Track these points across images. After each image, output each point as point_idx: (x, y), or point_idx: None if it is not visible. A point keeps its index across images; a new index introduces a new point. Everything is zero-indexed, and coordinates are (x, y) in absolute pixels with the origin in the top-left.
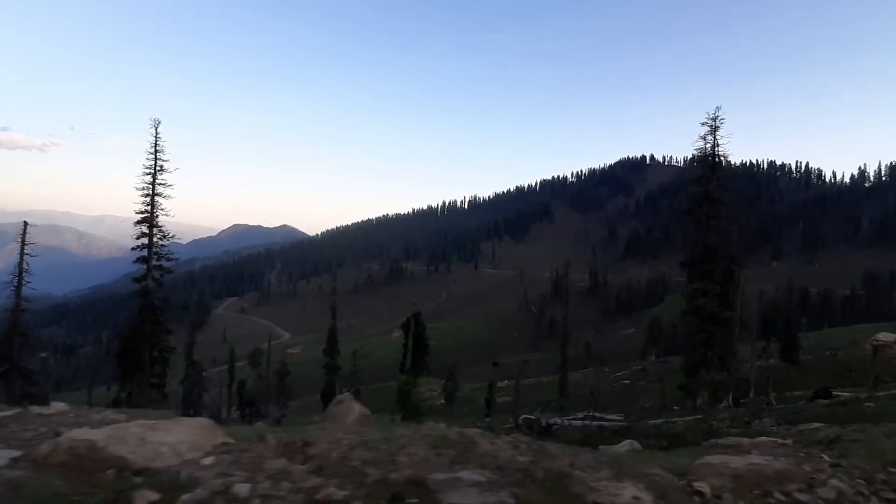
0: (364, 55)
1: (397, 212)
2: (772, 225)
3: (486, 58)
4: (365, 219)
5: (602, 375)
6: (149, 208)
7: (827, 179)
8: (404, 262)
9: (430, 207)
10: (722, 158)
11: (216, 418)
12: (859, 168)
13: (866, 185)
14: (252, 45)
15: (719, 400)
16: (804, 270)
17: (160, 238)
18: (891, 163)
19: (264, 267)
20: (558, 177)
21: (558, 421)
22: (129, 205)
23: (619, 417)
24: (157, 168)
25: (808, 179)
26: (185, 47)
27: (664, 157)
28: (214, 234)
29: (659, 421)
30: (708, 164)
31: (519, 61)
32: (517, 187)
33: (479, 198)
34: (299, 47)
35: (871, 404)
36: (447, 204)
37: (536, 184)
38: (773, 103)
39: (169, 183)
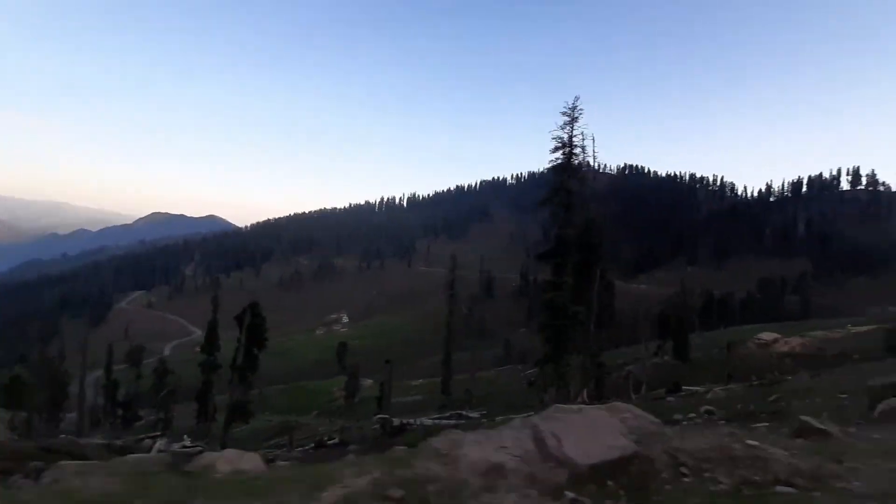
0: (308, 46)
1: (333, 206)
2: (689, 233)
3: (430, 57)
4: (297, 212)
5: (514, 373)
6: None
7: (739, 193)
8: (335, 258)
9: (367, 203)
10: (579, 150)
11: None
12: (766, 183)
13: (771, 199)
14: (188, 25)
15: (570, 395)
16: (714, 275)
17: None
18: (792, 180)
19: (182, 259)
20: (498, 178)
21: (412, 421)
22: (38, 189)
23: (479, 415)
24: None
25: (722, 192)
26: (110, 20)
27: (598, 164)
28: (130, 221)
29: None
30: (564, 154)
31: (465, 63)
32: (458, 186)
33: (419, 196)
34: (239, 31)
35: (710, 396)
36: (386, 200)
37: (477, 184)
38: (700, 118)
39: None
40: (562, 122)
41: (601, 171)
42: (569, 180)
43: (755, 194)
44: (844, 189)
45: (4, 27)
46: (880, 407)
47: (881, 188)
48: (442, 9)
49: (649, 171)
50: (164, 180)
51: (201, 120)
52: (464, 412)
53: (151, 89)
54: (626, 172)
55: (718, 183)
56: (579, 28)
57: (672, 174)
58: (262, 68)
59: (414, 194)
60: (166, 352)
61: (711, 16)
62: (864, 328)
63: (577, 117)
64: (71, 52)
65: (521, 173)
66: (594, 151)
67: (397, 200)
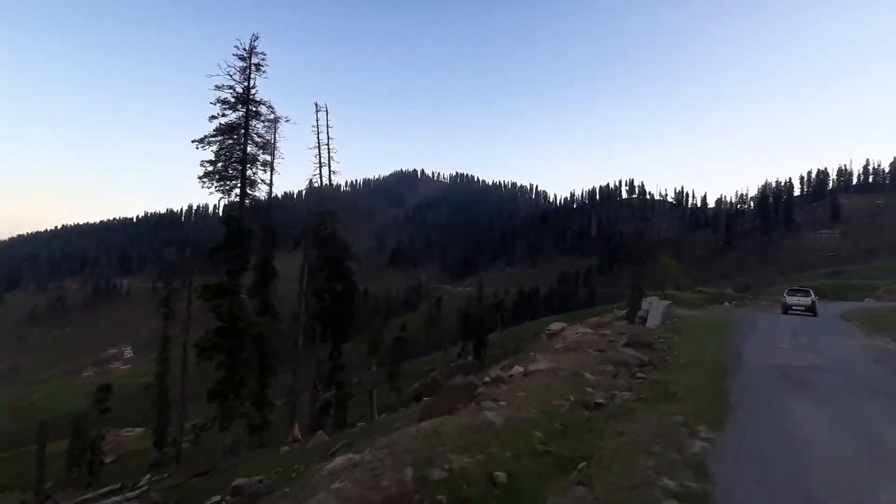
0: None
1: (122, 216)
2: (509, 236)
3: (293, 68)
4: (67, 224)
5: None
6: None
7: (550, 199)
8: (119, 279)
9: (169, 212)
10: (266, 109)
11: None
12: (571, 192)
13: (574, 205)
14: None
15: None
16: (528, 273)
17: None
18: (589, 189)
19: None
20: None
21: None
22: None
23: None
24: None
25: (537, 199)
26: None
27: (433, 173)
28: None
29: None
30: (239, 111)
31: (286, 64)
32: (285, 193)
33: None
34: None
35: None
36: (197, 208)
37: (303, 192)
38: (519, 129)
39: None
40: (236, 67)
41: (435, 178)
42: (247, 146)
43: (562, 201)
44: (624, 197)
45: None
46: None
47: (648, 196)
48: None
49: (478, 179)
50: None
51: None
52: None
53: None
54: (458, 180)
55: (534, 191)
56: (417, 32)
57: (497, 182)
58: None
59: (263, 204)
60: None
61: (534, 36)
62: (625, 310)
63: (259, 65)
64: None
65: (357, 181)
66: (328, 124)
67: (211, 208)
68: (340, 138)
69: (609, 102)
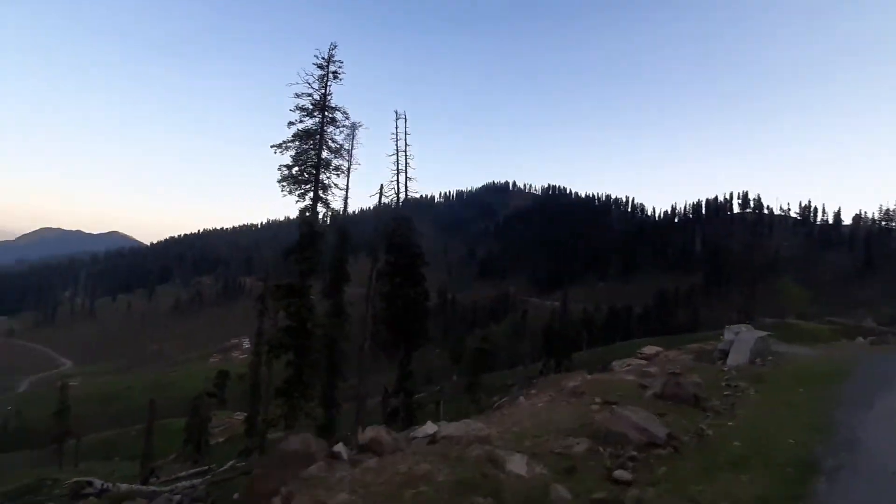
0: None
1: (250, 222)
2: (602, 250)
3: (351, 75)
4: (206, 228)
5: (367, 396)
6: None
7: (648, 213)
8: (244, 277)
9: (287, 219)
10: (341, 116)
11: None
12: (671, 205)
13: (675, 220)
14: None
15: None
16: (621, 290)
17: None
18: (693, 202)
19: (64, 280)
20: (426, 196)
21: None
22: None
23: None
24: None
25: (633, 213)
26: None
27: (525, 185)
28: (12, 238)
29: None
30: (317, 118)
31: (384, 82)
32: (384, 205)
33: (361, 214)
34: (147, 43)
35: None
36: (335, 223)
37: (400, 202)
38: (616, 142)
39: None
40: (315, 76)
41: (527, 190)
42: (321, 151)
43: (661, 215)
44: (736, 211)
45: None
46: None
47: (766, 210)
48: (360, 29)
49: (570, 191)
50: (58, 194)
51: (103, 127)
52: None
53: (44, 94)
54: (549, 193)
55: (630, 204)
56: (513, 50)
57: (590, 195)
58: (176, 72)
59: (355, 212)
60: (23, 386)
61: (631, 51)
62: None
63: (336, 73)
64: None
65: (451, 192)
66: (406, 131)
67: (319, 217)
68: (435, 151)
69: (717, 108)
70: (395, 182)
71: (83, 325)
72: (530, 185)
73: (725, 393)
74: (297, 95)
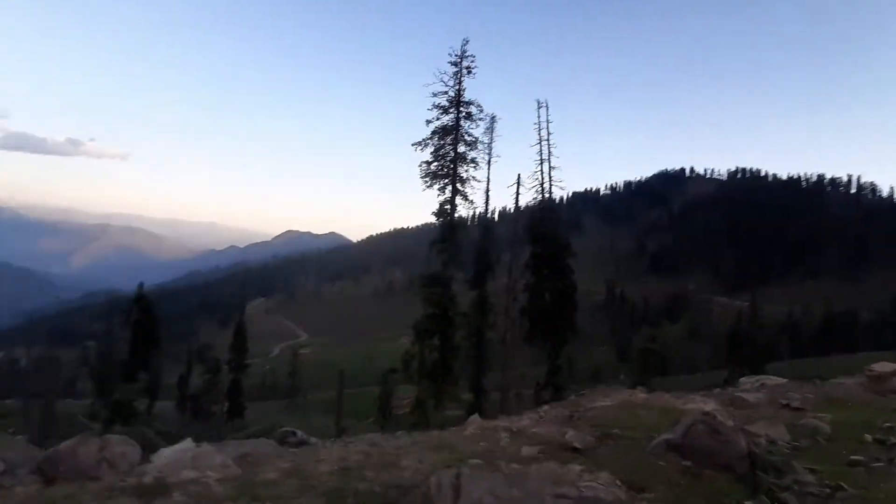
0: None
1: (430, 221)
2: (811, 242)
3: (510, 66)
4: (401, 227)
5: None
6: None
7: (883, 194)
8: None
9: (460, 218)
10: (475, 110)
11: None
12: None
13: None
14: (303, 59)
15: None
16: (841, 291)
17: None
18: None
19: (300, 270)
20: (591, 189)
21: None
22: (197, 209)
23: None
24: None
25: (858, 194)
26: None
27: (705, 170)
28: (268, 239)
29: None
30: (451, 114)
31: (548, 72)
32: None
33: (509, 209)
34: (346, 57)
35: None
36: (477, 215)
37: (566, 196)
38: (822, 112)
39: None
40: (449, 74)
41: (708, 175)
42: (458, 146)
43: None
44: None
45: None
46: None
47: None
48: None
49: (766, 173)
50: (295, 201)
51: (329, 141)
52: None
53: (300, 119)
54: (738, 177)
55: (854, 184)
56: (679, 28)
57: (794, 176)
58: (382, 85)
59: (505, 208)
60: (275, 351)
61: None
62: None
63: (469, 68)
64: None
65: (617, 183)
66: (548, 120)
67: (489, 214)
68: (597, 140)
69: None
70: (539, 172)
71: (313, 306)
72: (711, 170)
73: (855, 457)
74: (434, 94)
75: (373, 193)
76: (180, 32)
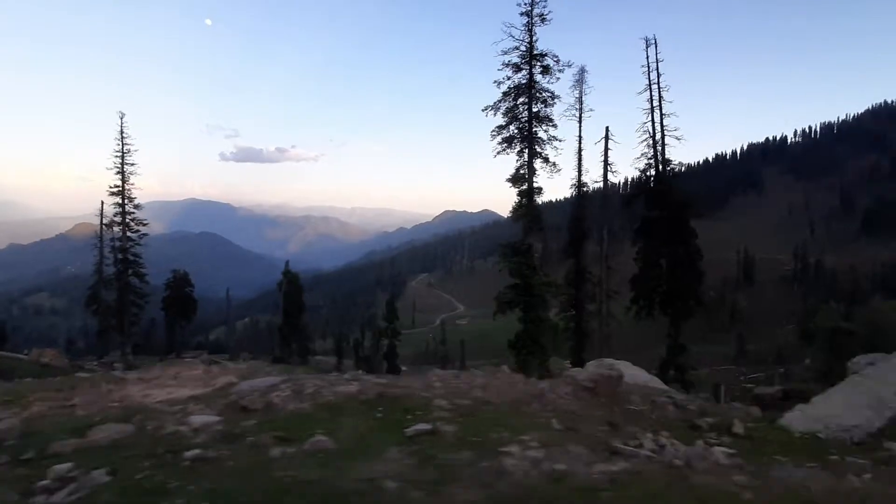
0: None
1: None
2: None
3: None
4: (549, 199)
5: (723, 377)
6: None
7: None
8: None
9: (610, 185)
10: (551, 63)
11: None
12: None
13: None
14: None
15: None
16: None
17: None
18: None
19: (457, 247)
20: (774, 139)
21: None
22: (374, 198)
23: None
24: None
25: None
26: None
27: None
28: (430, 219)
29: None
30: (524, 72)
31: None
32: (717, 155)
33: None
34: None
35: None
36: (629, 180)
37: (739, 149)
38: None
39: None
40: (518, 26)
41: None
42: (532, 105)
43: None
44: None
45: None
46: None
47: None
48: None
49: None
50: (451, 184)
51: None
52: None
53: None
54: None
55: None
56: None
57: None
58: None
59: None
60: (437, 322)
61: None
62: None
63: (543, 15)
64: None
65: (813, 127)
66: (657, 59)
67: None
68: (779, 82)
69: None
70: (650, 122)
71: (469, 280)
72: None
73: None
74: (504, 52)
75: None
76: (360, 54)
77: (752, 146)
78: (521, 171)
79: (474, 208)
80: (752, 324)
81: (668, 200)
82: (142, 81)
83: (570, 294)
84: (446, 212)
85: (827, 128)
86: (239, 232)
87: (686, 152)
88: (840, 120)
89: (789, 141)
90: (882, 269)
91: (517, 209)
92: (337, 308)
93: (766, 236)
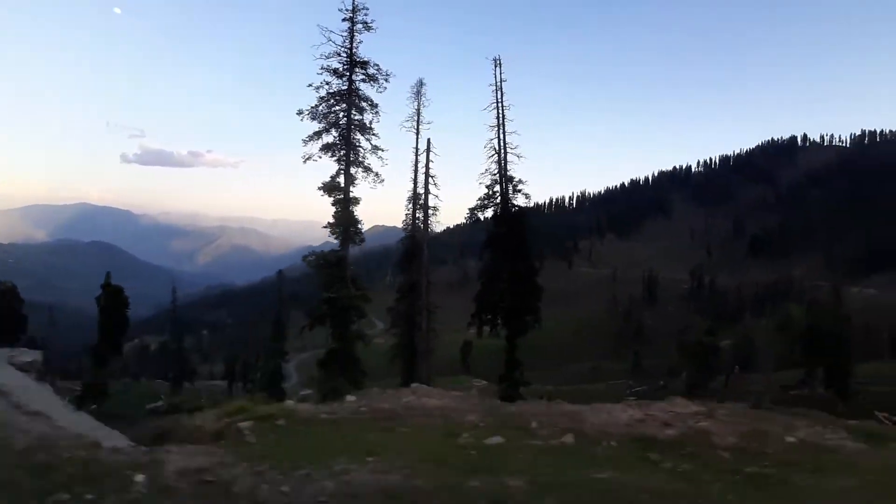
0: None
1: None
2: None
3: (610, 41)
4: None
5: (614, 390)
6: None
7: None
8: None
9: (535, 205)
10: (374, 70)
11: None
12: None
13: None
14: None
15: None
16: None
17: None
18: None
19: (381, 263)
20: (680, 167)
21: None
22: (300, 210)
23: None
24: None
25: None
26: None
27: (822, 137)
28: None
29: None
30: (343, 79)
31: (637, 44)
32: (631, 181)
33: (589, 193)
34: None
35: None
36: (554, 201)
37: (651, 176)
38: None
39: None
40: (340, 30)
41: (826, 144)
42: (350, 112)
43: None
44: None
45: None
46: None
47: None
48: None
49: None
50: (380, 198)
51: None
52: None
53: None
54: (864, 142)
55: None
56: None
57: None
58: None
59: (583, 192)
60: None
61: None
62: None
63: (366, 22)
64: None
65: (712, 159)
66: (501, 79)
67: (566, 200)
68: (687, 114)
69: None
70: (497, 139)
71: (390, 296)
72: (831, 137)
73: None
74: (324, 56)
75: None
76: (282, 53)
77: (661, 173)
78: (337, 180)
79: (400, 223)
80: (654, 340)
81: (508, 217)
82: (33, 71)
83: (398, 310)
84: (376, 226)
85: (724, 160)
86: (140, 242)
87: (608, 178)
88: (735, 154)
89: (693, 170)
90: (760, 290)
91: (337, 223)
92: (244, 328)
93: (672, 258)
